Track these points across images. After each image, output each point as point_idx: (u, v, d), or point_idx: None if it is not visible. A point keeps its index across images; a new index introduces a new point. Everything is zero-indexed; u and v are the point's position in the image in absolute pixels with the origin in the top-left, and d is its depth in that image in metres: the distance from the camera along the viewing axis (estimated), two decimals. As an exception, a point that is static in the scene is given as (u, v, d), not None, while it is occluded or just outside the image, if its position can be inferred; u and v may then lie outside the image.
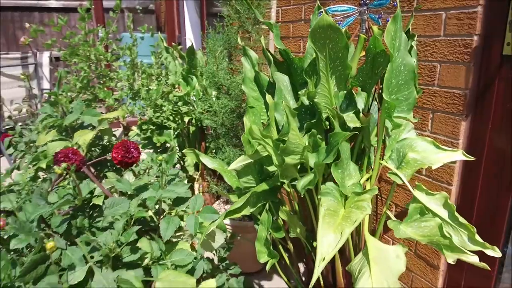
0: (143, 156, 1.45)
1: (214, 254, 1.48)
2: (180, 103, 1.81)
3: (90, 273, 0.83)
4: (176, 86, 2.17)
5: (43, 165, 0.98)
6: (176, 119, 2.14)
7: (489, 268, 0.90)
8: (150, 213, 0.98)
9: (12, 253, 0.95)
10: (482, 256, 0.96)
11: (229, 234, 1.56)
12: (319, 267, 0.86)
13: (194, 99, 2.16)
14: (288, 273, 1.49)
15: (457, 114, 1.21)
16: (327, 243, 0.89)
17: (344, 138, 0.90)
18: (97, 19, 4.11)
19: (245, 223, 2.01)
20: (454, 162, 1.24)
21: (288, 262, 1.31)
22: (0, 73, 3.83)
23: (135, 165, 1.40)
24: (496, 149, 1.16)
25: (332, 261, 1.30)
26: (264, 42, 1.33)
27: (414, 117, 1.02)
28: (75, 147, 0.98)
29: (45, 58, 4.56)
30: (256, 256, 2.14)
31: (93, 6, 1.79)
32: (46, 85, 4.49)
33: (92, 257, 0.81)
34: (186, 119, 2.22)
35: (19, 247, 0.91)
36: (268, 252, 1.18)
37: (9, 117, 1.66)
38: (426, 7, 1.26)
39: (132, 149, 0.89)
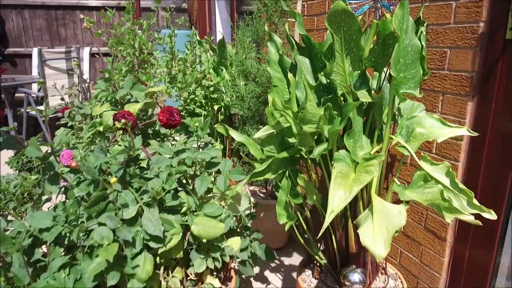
0: (179, 138, 1.64)
1: (238, 226, 1.64)
2: (211, 89, 1.99)
3: (139, 213, 1.01)
4: (207, 76, 2.36)
5: (100, 129, 1.18)
6: (207, 107, 2.33)
7: (481, 224, 1.02)
8: (188, 169, 1.15)
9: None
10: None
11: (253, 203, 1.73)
12: (329, 217, 1.00)
13: (224, 90, 2.35)
14: (305, 241, 1.63)
15: (464, 95, 1.32)
16: (337, 198, 1.03)
17: (354, 106, 1.04)
18: (135, 17, 4.40)
19: (269, 201, 2.17)
20: (461, 139, 1.35)
21: (305, 227, 1.46)
22: (46, 65, 4.18)
23: (172, 140, 1.59)
24: (498, 128, 1.26)
25: (346, 228, 1.43)
26: (289, 32, 1.48)
27: (420, 92, 1.14)
28: (126, 115, 1.17)
29: (85, 53, 4.90)
30: (278, 233, 2.30)
31: (131, 5, 1.99)
32: (86, 77, 4.82)
33: (141, 199, 0.99)
34: (216, 107, 2.40)
35: (81, 195, 1.11)
36: (287, 215, 1.33)
37: (62, 98, 1.88)
38: (439, -2, 1.37)
39: (175, 114, 1.07)
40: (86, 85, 2.14)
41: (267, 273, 2.08)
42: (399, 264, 1.71)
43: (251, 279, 2.04)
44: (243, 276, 2.07)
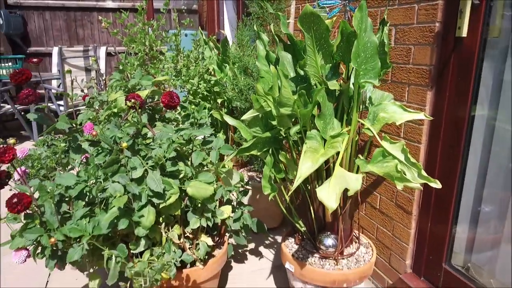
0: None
1: (233, 202, 1.87)
2: (212, 82, 2.24)
3: (144, 175, 1.26)
4: (212, 72, 2.61)
5: (115, 110, 1.43)
6: (211, 100, 2.58)
7: (421, 188, 1.23)
8: (186, 144, 1.40)
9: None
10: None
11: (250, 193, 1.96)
12: (297, 181, 1.23)
13: (226, 85, 2.59)
14: (288, 212, 1.86)
15: (424, 85, 1.53)
16: (305, 167, 1.26)
17: (318, 91, 1.27)
18: (148, 18, 4.70)
19: (263, 184, 2.40)
20: (422, 124, 1.56)
21: (288, 199, 1.69)
22: (66, 63, 4.50)
23: (175, 125, 1.83)
24: (450, 116, 1.46)
25: (323, 201, 1.65)
26: (279, 32, 1.71)
27: (378, 82, 1.35)
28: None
29: (102, 52, 5.22)
30: (273, 215, 2.52)
31: (143, 7, 2.25)
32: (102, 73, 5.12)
33: (147, 163, 1.24)
34: (219, 100, 2.65)
35: (99, 162, 1.36)
36: (271, 187, 1.56)
37: (82, 90, 2.15)
38: (405, 1, 1.59)
39: (175, 97, 1.31)
40: (103, 79, 2.42)
41: (261, 248, 2.32)
42: (376, 239, 1.93)
43: (247, 252, 2.28)
44: (240, 250, 2.32)
